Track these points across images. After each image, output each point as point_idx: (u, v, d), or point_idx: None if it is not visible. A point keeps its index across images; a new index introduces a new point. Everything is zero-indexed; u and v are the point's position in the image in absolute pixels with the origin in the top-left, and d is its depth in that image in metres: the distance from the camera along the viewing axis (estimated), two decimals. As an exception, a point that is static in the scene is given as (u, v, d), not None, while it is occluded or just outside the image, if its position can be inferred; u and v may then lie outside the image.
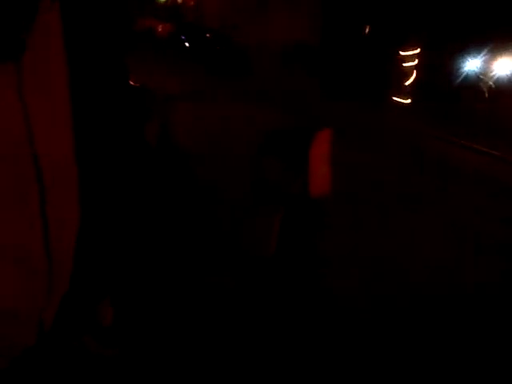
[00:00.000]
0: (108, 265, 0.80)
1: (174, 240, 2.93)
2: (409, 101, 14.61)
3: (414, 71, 14.83)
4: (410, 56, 14.84)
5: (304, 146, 2.79)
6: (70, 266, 0.66)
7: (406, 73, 14.86)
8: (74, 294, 0.71)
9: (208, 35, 17.84)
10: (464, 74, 14.39)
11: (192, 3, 22.72)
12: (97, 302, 0.88)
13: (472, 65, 14.24)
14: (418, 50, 14.74)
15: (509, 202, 6.54)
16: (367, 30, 16.42)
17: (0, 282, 0.56)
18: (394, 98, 14.67)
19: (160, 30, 19.56)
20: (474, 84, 14.08)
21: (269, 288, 2.74)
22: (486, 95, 13.74)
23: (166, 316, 2.71)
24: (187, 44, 17.87)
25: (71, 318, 0.75)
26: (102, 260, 0.77)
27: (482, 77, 13.96)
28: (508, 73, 13.48)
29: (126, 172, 0.79)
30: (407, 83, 14.84)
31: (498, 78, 13.70)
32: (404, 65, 14.91)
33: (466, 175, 7.94)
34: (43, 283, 0.61)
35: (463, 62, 14.49)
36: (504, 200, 6.62)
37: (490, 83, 13.75)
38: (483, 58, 13.98)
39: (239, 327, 2.84)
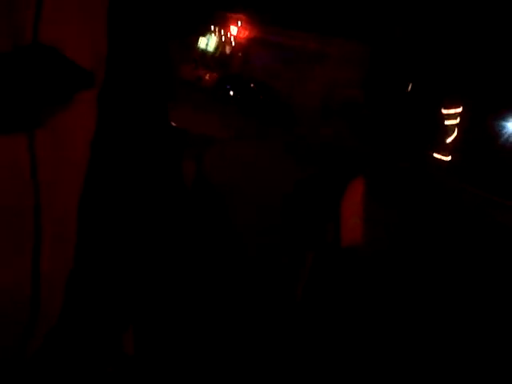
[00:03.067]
0: (129, 295, 0.83)
1: (202, 279, 2.96)
2: (449, 158, 14.47)
3: (456, 129, 14.76)
4: (453, 114, 14.80)
5: (337, 195, 2.81)
6: (59, 305, 0.67)
7: (448, 130, 14.81)
8: (86, 327, 0.73)
9: (252, 85, 18.39)
10: (508, 133, 14.18)
11: (239, 55, 23.60)
12: (119, 332, 0.90)
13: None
14: (461, 109, 14.71)
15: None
16: (410, 87, 16.54)
17: None
18: (435, 155, 14.56)
19: (207, 78, 20.32)
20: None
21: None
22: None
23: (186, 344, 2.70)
24: (231, 92, 18.44)
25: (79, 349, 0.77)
26: (121, 290, 0.80)
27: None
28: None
29: (163, 210, 0.82)
30: (448, 141, 14.76)
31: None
32: (446, 122, 14.88)
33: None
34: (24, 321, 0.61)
35: (507, 122, 14.30)
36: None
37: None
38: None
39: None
